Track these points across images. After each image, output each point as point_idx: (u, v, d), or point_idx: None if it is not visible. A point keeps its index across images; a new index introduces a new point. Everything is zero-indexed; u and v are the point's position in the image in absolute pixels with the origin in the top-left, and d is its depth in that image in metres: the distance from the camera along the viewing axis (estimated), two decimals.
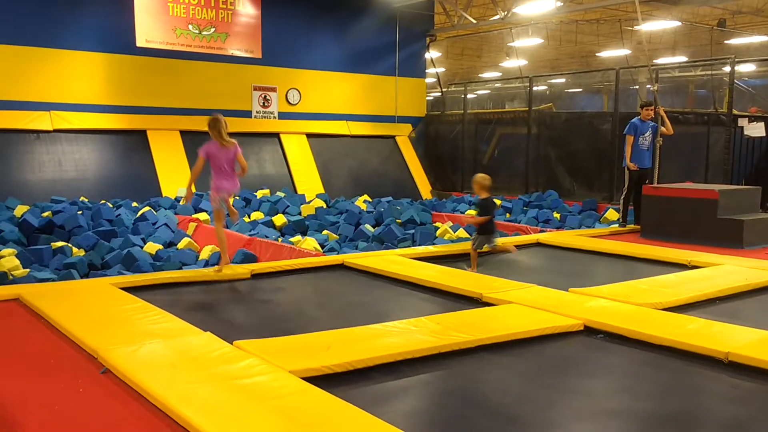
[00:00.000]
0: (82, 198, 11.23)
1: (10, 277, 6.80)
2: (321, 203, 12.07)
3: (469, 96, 16.73)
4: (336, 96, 15.16)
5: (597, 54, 24.95)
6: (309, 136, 14.62)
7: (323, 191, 13.84)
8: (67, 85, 12.03)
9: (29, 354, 3.65)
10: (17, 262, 7.24)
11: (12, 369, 3.39)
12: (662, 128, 8.84)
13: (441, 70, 21.16)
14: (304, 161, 14.29)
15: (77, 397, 3.04)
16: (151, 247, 8.40)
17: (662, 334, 3.88)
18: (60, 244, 8.22)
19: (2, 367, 3.40)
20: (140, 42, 12.20)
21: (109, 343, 3.53)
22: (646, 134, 8.71)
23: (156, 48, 12.43)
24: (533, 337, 3.95)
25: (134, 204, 11.17)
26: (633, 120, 8.85)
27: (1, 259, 7.26)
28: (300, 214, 11.19)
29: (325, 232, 9.90)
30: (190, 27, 12.69)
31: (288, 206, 11.47)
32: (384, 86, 15.83)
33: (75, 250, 8.21)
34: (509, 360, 3.67)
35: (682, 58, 23.20)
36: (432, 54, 17.47)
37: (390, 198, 13.45)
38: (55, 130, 11.85)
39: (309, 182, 14.01)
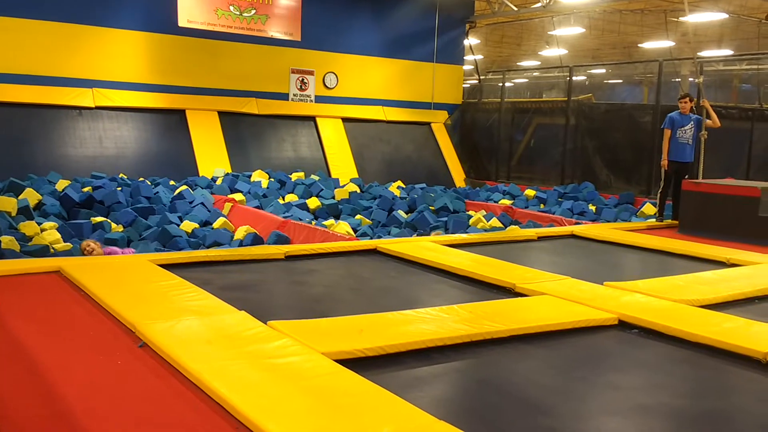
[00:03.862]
0: (121, 175, 11.43)
1: (52, 250, 6.97)
2: (355, 188, 12.11)
3: (507, 84, 16.57)
4: (373, 81, 15.15)
5: (639, 45, 24.46)
6: (345, 120, 14.65)
7: (357, 176, 13.88)
8: (110, 63, 12.22)
9: (69, 325, 3.74)
10: (58, 235, 7.41)
11: (52, 339, 3.48)
12: (708, 121, 8.65)
13: (479, 57, 20.98)
14: (339, 145, 14.33)
15: (116, 369, 3.11)
16: (188, 225, 8.53)
17: (698, 332, 3.82)
18: (100, 219, 8.39)
19: (43, 338, 3.49)
20: (182, 22, 12.32)
21: (147, 318, 3.60)
22: (686, 127, 8.53)
23: (197, 28, 12.54)
24: (566, 330, 3.92)
25: (171, 182, 11.34)
26: (671, 114, 8.67)
27: (44, 233, 7.44)
28: (334, 197, 11.25)
29: (358, 216, 9.94)
30: (231, 8, 12.76)
31: (322, 189, 11.53)
32: (421, 72, 15.76)
33: (114, 225, 8.38)
34: (541, 351, 3.66)
35: (727, 52, 22.62)
36: (471, 41, 17.32)
37: (423, 185, 13.45)
38: (96, 107, 12.07)
39: (343, 166, 14.05)
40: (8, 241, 6.76)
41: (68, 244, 7.28)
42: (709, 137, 8.87)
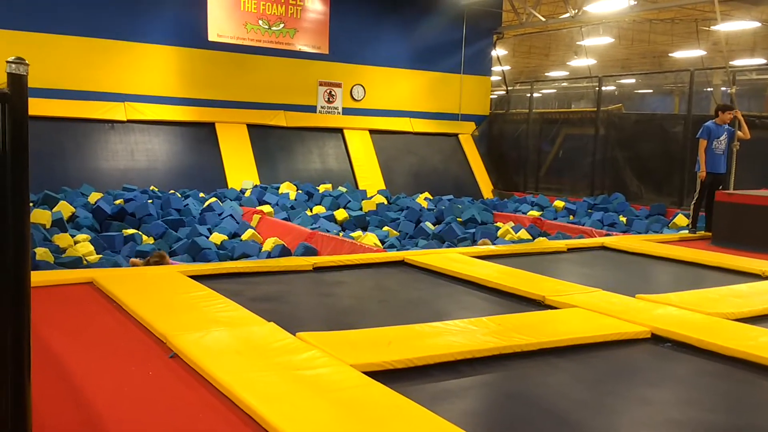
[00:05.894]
0: (152, 187, 11.59)
1: (85, 262, 7.08)
2: (382, 199, 12.13)
3: (535, 95, 16.49)
4: (400, 93, 15.19)
5: (670, 54, 24.19)
6: (372, 132, 14.71)
7: (384, 187, 13.90)
8: (141, 77, 12.43)
9: (101, 335, 3.79)
10: (91, 247, 7.54)
11: (84, 349, 3.53)
12: (739, 132, 8.53)
13: (507, 68, 20.90)
14: (366, 157, 14.38)
15: (146, 379, 3.14)
16: (217, 237, 8.61)
17: (733, 345, 3.74)
18: (131, 231, 8.51)
19: (76, 347, 3.54)
20: (212, 36, 12.50)
21: (177, 329, 3.63)
22: (721, 138, 8.40)
23: (227, 42, 12.72)
24: (598, 343, 3.87)
25: (201, 194, 11.46)
26: (707, 123, 8.56)
27: (77, 245, 7.57)
28: (361, 209, 11.27)
29: (385, 228, 9.94)
30: (260, 22, 12.92)
31: (349, 201, 11.57)
32: (448, 84, 15.76)
33: (145, 237, 8.49)
34: (572, 365, 3.61)
35: (760, 61, 22.28)
36: (498, 51, 17.28)
37: (451, 196, 13.41)
38: (128, 121, 12.27)
39: (371, 178, 14.09)
40: (43, 253, 6.89)
41: (100, 255, 7.39)
42: (741, 148, 8.73)
